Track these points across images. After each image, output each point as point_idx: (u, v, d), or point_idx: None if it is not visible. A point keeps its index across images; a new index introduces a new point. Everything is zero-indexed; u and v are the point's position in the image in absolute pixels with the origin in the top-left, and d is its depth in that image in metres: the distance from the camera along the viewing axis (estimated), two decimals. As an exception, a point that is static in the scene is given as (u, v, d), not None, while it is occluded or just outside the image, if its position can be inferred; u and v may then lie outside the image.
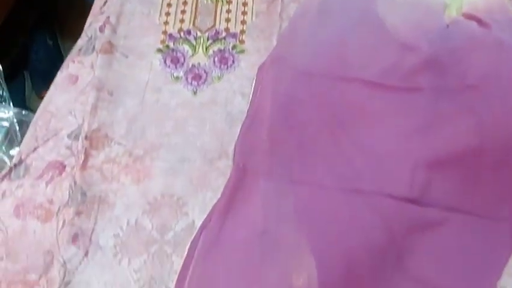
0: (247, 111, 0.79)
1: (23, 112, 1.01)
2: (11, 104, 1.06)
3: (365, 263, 0.62)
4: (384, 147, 0.70)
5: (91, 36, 0.91)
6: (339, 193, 0.67)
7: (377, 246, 0.62)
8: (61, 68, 0.89)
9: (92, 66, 0.86)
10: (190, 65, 0.88)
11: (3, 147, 0.98)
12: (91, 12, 0.98)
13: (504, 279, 0.63)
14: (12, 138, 0.99)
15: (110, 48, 0.87)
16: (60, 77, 0.87)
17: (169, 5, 0.97)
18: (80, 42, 0.92)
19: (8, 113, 0.98)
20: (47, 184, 0.75)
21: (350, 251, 0.62)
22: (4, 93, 1.07)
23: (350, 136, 0.72)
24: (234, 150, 0.76)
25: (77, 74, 0.86)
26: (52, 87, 0.87)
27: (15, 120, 1.02)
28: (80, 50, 0.90)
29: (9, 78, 1.13)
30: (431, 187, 0.66)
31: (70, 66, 0.88)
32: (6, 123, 0.98)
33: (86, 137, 0.78)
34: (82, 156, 0.76)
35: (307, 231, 0.64)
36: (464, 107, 0.69)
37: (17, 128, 1.01)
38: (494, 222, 0.65)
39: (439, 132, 0.68)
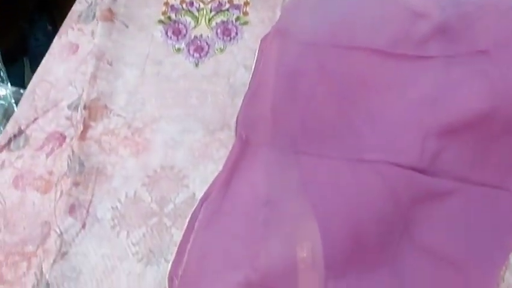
0: (250, 83, 0.77)
1: (21, 91, 0.99)
2: (9, 84, 1.04)
3: (371, 233, 0.59)
4: (393, 116, 0.67)
5: (91, 3, 0.88)
6: (345, 163, 0.64)
7: (383, 216, 0.60)
8: (59, 34, 0.87)
9: (92, 34, 0.84)
10: (193, 37, 0.85)
11: (1, 127, 0.96)
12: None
13: (517, 253, 0.61)
14: (9, 118, 0.97)
15: (110, 15, 0.85)
16: (59, 44, 0.85)
17: (171, -25, 0.94)
18: (79, 7, 0.89)
19: (6, 91, 0.96)
20: (47, 156, 0.73)
21: (356, 221, 0.60)
22: (2, 74, 1.06)
23: (357, 106, 0.69)
24: (236, 122, 0.74)
25: (77, 43, 0.84)
26: (49, 55, 0.85)
27: (13, 100, 1.00)
28: (79, 16, 0.87)
29: (9, 63, 1.11)
30: (441, 156, 0.63)
31: (69, 34, 0.86)
32: (3, 102, 0.96)
33: (85, 107, 0.76)
34: (81, 127, 0.74)
35: (312, 201, 0.62)
36: (476, 72, 0.66)
37: (15, 108, 0.99)
38: (506, 193, 0.62)
39: (450, 100, 0.65)
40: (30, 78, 1.07)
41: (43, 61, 0.85)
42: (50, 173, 0.72)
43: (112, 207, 0.69)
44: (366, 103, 0.69)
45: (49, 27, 1.33)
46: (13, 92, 1.00)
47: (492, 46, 0.67)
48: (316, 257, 0.58)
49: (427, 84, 0.67)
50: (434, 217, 0.61)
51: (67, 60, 0.83)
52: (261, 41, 0.81)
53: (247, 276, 0.58)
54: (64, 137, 0.75)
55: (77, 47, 0.84)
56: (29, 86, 0.82)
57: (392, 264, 0.60)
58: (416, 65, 0.70)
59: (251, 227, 0.62)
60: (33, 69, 1.23)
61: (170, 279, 0.62)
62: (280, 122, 0.70)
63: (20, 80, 1.22)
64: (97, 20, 0.85)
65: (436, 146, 0.63)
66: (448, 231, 0.60)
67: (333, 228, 0.60)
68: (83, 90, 0.78)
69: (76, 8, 0.89)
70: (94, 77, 0.79)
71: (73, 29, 0.87)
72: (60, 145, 0.74)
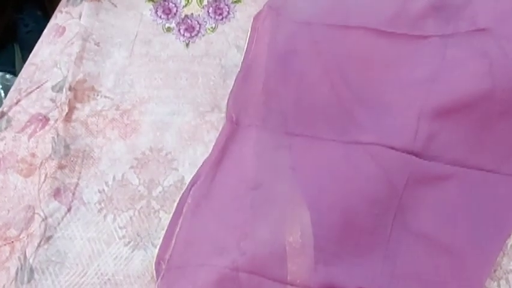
0: (242, 62, 0.74)
1: (7, 76, 0.97)
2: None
3: (364, 217, 0.58)
4: (387, 97, 0.65)
5: (80, -15, 0.86)
6: (337, 145, 0.63)
7: (376, 201, 0.58)
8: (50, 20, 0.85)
9: (80, 17, 0.82)
10: (183, 16, 0.83)
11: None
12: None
13: (515, 238, 0.59)
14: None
15: (97, -5, 0.82)
16: (47, 28, 0.83)
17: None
18: (69, -10, 0.87)
19: (-10, 76, 0.94)
20: (29, 137, 0.71)
21: (348, 204, 0.58)
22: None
23: (351, 87, 0.67)
24: (228, 103, 0.72)
25: (64, 25, 0.82)
26: (39, 40, 0.83)
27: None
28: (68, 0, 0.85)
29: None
30: (436, 139, 0.61)
31: (58, 17, 0.83)
32: (-12, 86, 0.94)
33: (70, 88, 0.74)
34: (66, 108, 0.72)
35: (304, 184, 0.60)
36: (475, 52, 0.63)
37: (3, 94, 0.97)
38: (504, 177, 0.60)
39: (447, 80, 0.63)
40: (20, 64, 1.04)
41: (35, 47, 0.82)
42: (33, 155, 0.70)
43: (99, 191, 0.67)
44: (360, 83, 0.67)
45: (38, 13, 1.31)
46: (-1, 77, 0.97)
47: (492, 22, 0.65)
48: (306, 240, 0.56)
49: (423, 65, 0.65)
50: (429, 201, 0.59)
51: (53, 43, 0.80)
52: (254, 19, 0.78)
53: (234, 260, 0.56)
54: (47, 119, 0.73)
55: (64, 29, 0.81)
56: (20, 72, 0.79)
57: (386, 249, 0.58)
58: (412, 44, 0.67)
59: (239, 211, 0.60)
60: (24, 55, 1.21)
61: (158, 264, 0.61)
62: (272, 103, 0.68)
63: (10, 66, 1.21)
64: (84, 1, 0.83)
65: (431, 127, 0.61)
66: (443, 216, 0.59)
67: (325, 210, 0.59)
68: (68, 72, 0.76)
69: None
70: (79, 57, 0.77)
71: (61, 12, 0.84)
72: (43, 127, 0.72)
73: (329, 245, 0.57)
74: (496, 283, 0.57)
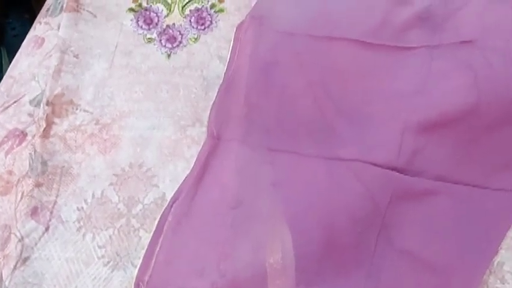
0: (225, 73, 0.73)
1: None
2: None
3: (347, 235, 0.56)
4: (371, 110, 0.63)
5: (59, -5, 0.83)
6: (320, 161, 0.61)
7: (359, 218, 0.57)
8: (31, 29, 0.83)
9: (59, 28, 0.80)
10: (165, 26, 0.81)
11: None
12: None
13: (502, 254, 0.58)
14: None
15: (76, 6, 0.80)
16: (27, 39, 0.81)
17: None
18: (49, 1, 0.84)
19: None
20: (6, 154, 0.70)
21: (330, 222, 0.57)
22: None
23: (334, 100, 0.66)
24: (209, 116, 0.70)
25: (43, 36, 0.80)
26: (18, 52, 0.81)
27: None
28: (47, 10, 0.83)
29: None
30: (421, 154, 0.60)
31: (37, 28, 0.81)
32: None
33: (48, 103, 0.72)
34: (44, 123, 0.70)
35: (285, 201, 0.59)
36: (461, 63, 0.62)
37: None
38: (490, 192, 0.59)
39: (432, 93, 0.61)
40: (8, 67, 1.03)
41: (15, 58, 0.81)
42: (10, 173, 0.68)
43: (78, 208, 0.66)
44: (343, 96, 0.65)
45: (26, 16, 1.29)
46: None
47: (477, 33, 0.63)
48: (287, 262, 0.55)
49: (408, 77, 0.64)
50: (414, 218, 0.58)
51: (31, 55, 0.78)
52: (237, 29, 0.76)
53: (214, 282, 0.55)
54: (25, 135, 0.71)
55: (43, 40, 0.79)
56: (-1, 84, 0.78)
57: (369, 267, 0.57)
58: (396, 56, 0.66)
59: (220, 231, 0.58)
60: (11, 59, 1.19)
61: (137, 285, 0.59)
62: (254, 116, 0.66)
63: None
64: (63, 12, 0.80)
65: (416, 142, 0.60)
66: (428, 233, 0.57)
67: (307, 229, 0.57)
68: (46, 85, 0.74)
69: (47, 2, 0.84)
70: (58, 70, 0.74)
71: (40, 23, 0.82)
72: (20, 143, 0.70)
73: (310, 264, 0.56)
74: (482, 302, 0.56)
